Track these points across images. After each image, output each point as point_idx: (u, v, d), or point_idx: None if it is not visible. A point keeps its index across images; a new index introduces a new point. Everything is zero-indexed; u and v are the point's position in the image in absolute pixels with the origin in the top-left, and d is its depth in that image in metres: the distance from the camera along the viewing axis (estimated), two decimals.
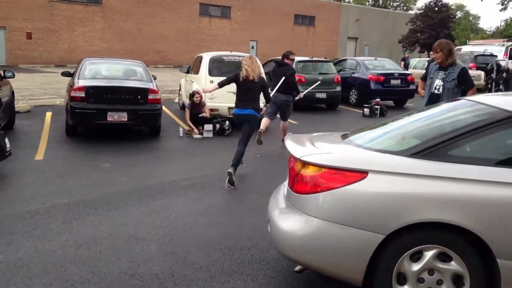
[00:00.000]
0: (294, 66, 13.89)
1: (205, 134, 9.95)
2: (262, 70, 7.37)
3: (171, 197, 5.89)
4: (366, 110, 13.18)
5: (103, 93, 8.85)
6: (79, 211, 5.26)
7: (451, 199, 2.88)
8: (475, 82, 19.70)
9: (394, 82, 14.93)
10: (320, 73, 14.15)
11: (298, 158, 3.27)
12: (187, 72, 12.85)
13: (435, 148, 3.02)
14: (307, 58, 15.09)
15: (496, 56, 22.31)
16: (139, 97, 9.04)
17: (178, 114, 12.52)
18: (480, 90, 19.72)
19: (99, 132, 9.59)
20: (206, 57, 11.08)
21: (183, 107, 13.17)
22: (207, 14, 38.56)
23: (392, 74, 15.08)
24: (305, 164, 3.21)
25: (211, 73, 10.74)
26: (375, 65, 15.56)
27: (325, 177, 3.09)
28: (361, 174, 3.01)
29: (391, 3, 72.83)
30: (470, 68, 20.35)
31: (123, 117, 8.86)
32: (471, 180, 2.89)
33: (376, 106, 13.23)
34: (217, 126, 10.13)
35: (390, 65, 16.11)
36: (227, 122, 10.19)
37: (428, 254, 2.94)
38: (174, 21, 36.21)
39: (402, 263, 2.97)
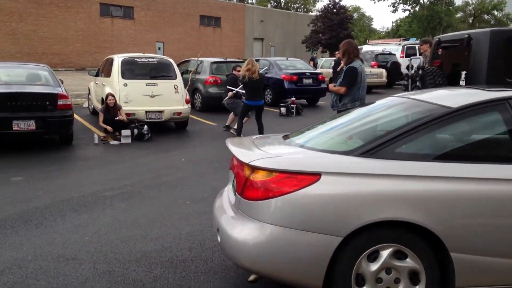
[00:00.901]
0: (208, 67, 13.83)
1: (122, 140, 9.47)
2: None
3: (97, 210, 5.48)
4: (283, 109, 13.36)
5: (6, 101, 8.10)
6: None
7: (404, 197, 2.90)
8: (377, 79, 20.69)
9: (306, 81, 15.29)
10: None
11: (247, 163, 3.13)
12: (96, 75, 12.18)
13: (383, 146, 3.03)
14: (221, 59, 15.01)
15: (394, 54, 23.77)
16: (47, 103, 8.37)
17: (90, 120, 11.85)
18: (383, 87, 20.91)
19: (3, 142, 8.75)
20: (118, 59, 10.54)
21: (94, 112, 12.50)
22: (108, 15, 37.14)
23: (304, 73, 15.43)
24: (255, 169, 3.08)
25: (123, 75, 10.26)
26: (287, 65, 15.84)
27: (277, 181, 2.98)
28: (314, 176, 2.94)
29: (292, 5, 75.02)
30: (372, 66, 21.50)
31: (30, 125, 8.16)
32: (420, 176, 2.94)
33: (292, 105, 13.46)
34: (135, 131, 9.70)
35: (301, 65, 16.50)
36: (145, 126, 9.78)
37: (385, 253, 2.94)
38: (73, 21, 34.46)
39: (360, 264, 2.94)
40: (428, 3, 56.99)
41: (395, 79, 22.80)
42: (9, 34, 31.33)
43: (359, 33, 42.64)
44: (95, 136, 9.45)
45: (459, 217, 2.94)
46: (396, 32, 50.22)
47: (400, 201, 2.90)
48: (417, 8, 58.11)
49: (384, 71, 21.00)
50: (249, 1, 70.40)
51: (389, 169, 2.95)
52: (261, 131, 9.60)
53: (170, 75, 10.63)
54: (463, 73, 6.02)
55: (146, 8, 39.18)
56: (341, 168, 2.98)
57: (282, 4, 73.00)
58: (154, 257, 4.18)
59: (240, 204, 3.20)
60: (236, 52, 42.82)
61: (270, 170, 3.01)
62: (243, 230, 3.08)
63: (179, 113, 10.39)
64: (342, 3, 46.80)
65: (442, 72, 6.38)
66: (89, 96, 13.09)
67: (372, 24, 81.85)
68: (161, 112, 10.20)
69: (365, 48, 26.11)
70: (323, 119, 4.15)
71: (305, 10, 74.41)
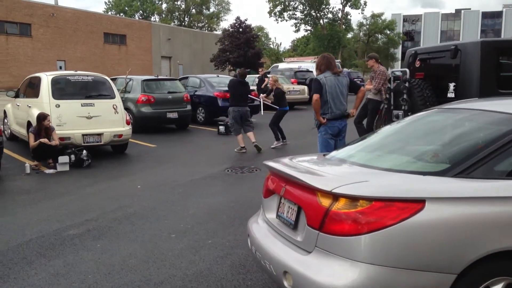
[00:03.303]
0: (139, 85, 12.97)
1: (59, 168, 8.38)
2: None
3: (69, 253, 4.60)
4: (222, 128, 12.84)
5: None
6: None
7: None
8: (300, 96, 21.33)
9: None
10: (169, 92, 13.40)
11: (328, 191, 2.63)
12: (16, 96, 10.83)
13: (480, 164, 2.66)
14: (152, 77, 14.19)
15: (311, 71, 24.28)
16: None
17: (10, 147, 10.43)
18: (305, 103, 21.19)
19: None
20: (47, 77, 9.39)
21: (12, 137, 11.12)
22: (3, 32, 34.20)
23: None
24: (340, 197, 2.60)
25: (54, 95, 9.15)
26: (219, 82, 15.37)
27: (373, 212, 2.49)
28: (418, 204, 2.50)
29: (196, 24, 74.79)
30: (293, 83, 21.78)
31: None
32: None
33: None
34: (73, 157, 8.64)
35: None
36: (84, 151, 8.75)
37: None
38: None
39: None
40: (326, 24, 59.87)
41: None
42: None
43: (269, 52, 43.32)
44: (26, 165, 8.27)
45: None
46: (298, 52, 51.95)
47: None
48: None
49: (305, 87, 21.28)
50: (152, 19, 69.01)
51: (499, 190, 2.60)
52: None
53: (108, 94, 9.70)
54: (451, 85, 5.98)
55: (45, 25, 36.66)
56: (446, 193, 2.56)
57: (186, 23, 72.49)
58: None
59: (318, 241, 2.67)
60: (143, 70, 41.45)
61: (365, 199, 2.54)
62: (329, 272, 2.56)
63: (120, 135, 9.48)
64: (247, 22, 47.48)
65: (428, 84, 6.33)
66: (5, 120, 11.61)
67: (270, 44, 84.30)
68: (100, 134, 9.23)
69: (282, 65, 26.46)
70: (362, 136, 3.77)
71: (209, 29, 74.51)
